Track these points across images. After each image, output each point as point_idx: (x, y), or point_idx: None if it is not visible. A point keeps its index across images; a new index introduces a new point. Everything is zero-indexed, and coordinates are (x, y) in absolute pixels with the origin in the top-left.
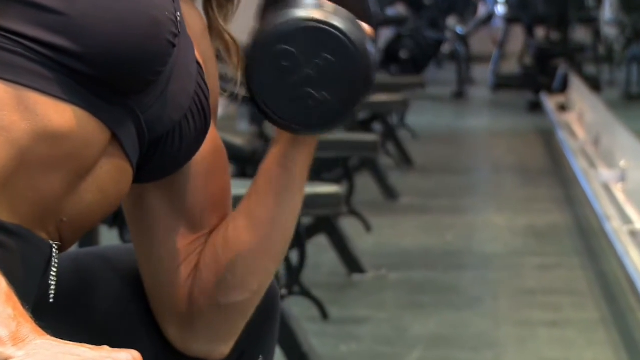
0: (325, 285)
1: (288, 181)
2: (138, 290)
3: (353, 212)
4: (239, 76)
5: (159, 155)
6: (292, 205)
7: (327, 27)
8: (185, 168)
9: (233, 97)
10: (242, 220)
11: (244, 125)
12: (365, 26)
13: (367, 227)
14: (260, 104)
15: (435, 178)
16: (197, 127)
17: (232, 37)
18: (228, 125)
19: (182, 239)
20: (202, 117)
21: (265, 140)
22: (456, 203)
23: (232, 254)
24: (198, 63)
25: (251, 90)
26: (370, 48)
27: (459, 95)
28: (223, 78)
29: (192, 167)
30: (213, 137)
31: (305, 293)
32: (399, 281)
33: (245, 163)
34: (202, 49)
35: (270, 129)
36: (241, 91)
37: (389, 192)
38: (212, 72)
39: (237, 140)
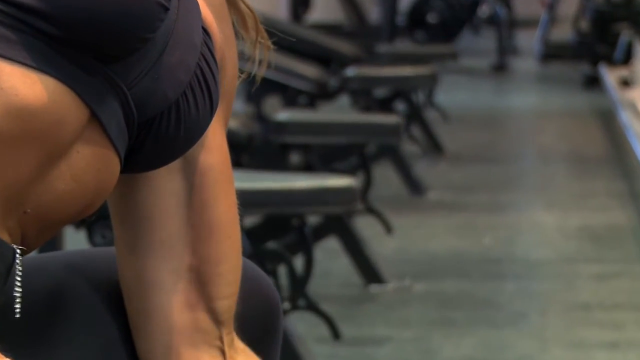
0: (336, 298)
1: None
2: (119, 311)
3: (370, 210)
4: (256, 54)
5: (152, 141)
6: None
7: None
8: (191, 177)
9: (250, 79)
10: None
11: (237, 105)
12: None
13: (388, 228)
14: None
15: (470, 169)
16: (198, 108)
17: (248, 7)
18: None
19: (178, 259)
20: (207, 95)
21: (264, 122)
22: (495, 199)
23: None
24: (205, 31)
25: None
26: None
27: (500, 67)
28: (239, 56)
29: (199, 177)
30: (221, 145)
31: (313, 307)
32: (426, 293)
33: (240, 150)
34: (220, 27)
35: (269, 109)
36: (260, 71)
37: (414, 186)
38: (230, 56)
39: (230, 123)
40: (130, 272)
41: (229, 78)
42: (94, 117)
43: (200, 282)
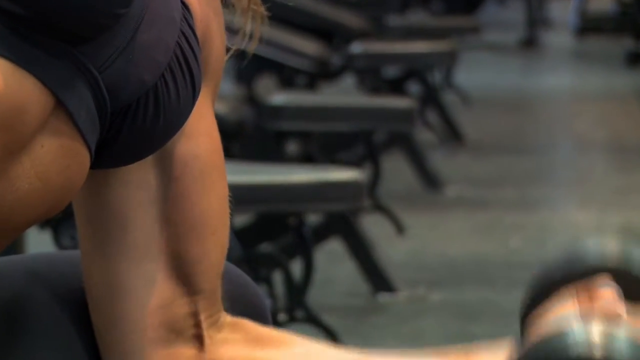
0: (340, 308)
1: None
2: (86, 323)
3: (379, 207)
4: (248, 25)
5: (127, 132)
6: None
7: None
8: (169, 168)
9: (240, 55)
10: None
11: (225, 86)
12: None
13: (399, 228)
14: None
15: (495, 160)
16: (179, 93)
17: None
18: None
19: (154, 261)
20: (188, 78)
21: (256, 106)
22: (524, 195)
23: None
24: (184, 4)
25: None
26: None
27: (529, 43)
28: (226, 28)
29: (180, 168)
30: (209, 130)
31: (313, 319)
32: (444, 304)
33: (228, 139)
34: None
35: (262, 91)
36: (251, 45)
37: (430, 180)
38: (216, 28)
39: (218, 107)
40: (98, 278)
41: (216, 54)
42: (60, 105)
43: (177, 280)
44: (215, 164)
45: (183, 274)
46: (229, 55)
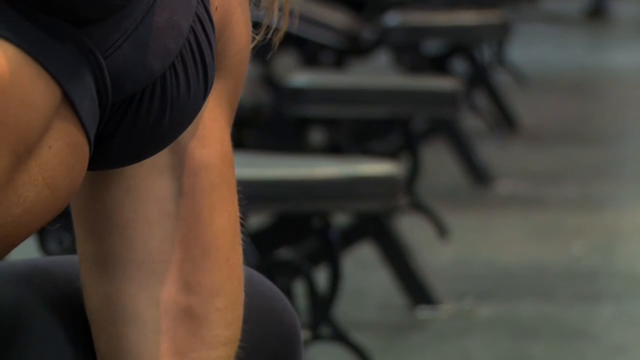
0: (372, 324)
1: None
2: (87, 340)
3: (418, 207)
4: (275, 2)
5: (127, 128)
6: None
7: None
8: (180, 178)
9: (266, 43)
10: None
11: None
12: None
13: (442, 231)
14: None
15: (554, 151)
16: (190, 86)
17: None
18: None
19: (162, 287)
20: (201, 69)
21: (274, 89)
22: (588, 192)
23: None
24: None
25: None
26: None
27: (596, 13)
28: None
29: (191, 180)
30: (221, 137)
31: (340, 337)
32: (494, 319)
33: (243, 126)
34: None
35: (282, 70)
36: (280, 28)
37: (478, 174)
38: (239, 19)
39: None
40: (100, 299)
41: (237, 47)
42: (66, 98)
43: (192, 320)
44: (226, 178)
45: (198, 315)
46: (253, 44)
